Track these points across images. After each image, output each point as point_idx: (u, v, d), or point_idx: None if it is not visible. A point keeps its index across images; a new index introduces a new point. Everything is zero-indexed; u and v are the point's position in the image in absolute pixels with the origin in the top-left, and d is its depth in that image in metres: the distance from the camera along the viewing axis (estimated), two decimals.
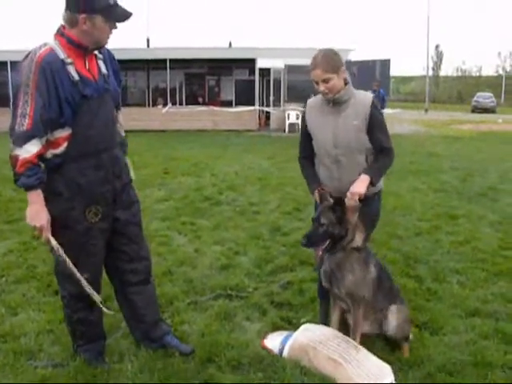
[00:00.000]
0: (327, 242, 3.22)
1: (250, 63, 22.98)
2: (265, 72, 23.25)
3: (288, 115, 21.98)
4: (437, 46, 75.58)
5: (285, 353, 3.32)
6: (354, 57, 22.57)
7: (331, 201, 3.23)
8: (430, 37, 47.57)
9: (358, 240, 3.25)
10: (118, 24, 2.89)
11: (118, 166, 3.12)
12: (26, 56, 2.76)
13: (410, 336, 3.47)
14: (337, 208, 3.19)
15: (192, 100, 25.62)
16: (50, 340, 3.56)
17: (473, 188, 9.28)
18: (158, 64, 23.45)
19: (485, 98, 45.00)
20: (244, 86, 25.26)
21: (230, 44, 28.21)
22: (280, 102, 23.18)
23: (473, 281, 4.70)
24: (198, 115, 22.06)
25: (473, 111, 43.04)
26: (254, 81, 23.01)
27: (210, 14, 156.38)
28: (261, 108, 23.50)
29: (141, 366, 3.22)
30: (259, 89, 23.41)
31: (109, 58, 3.12)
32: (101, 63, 3.01)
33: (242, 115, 22.28)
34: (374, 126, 3.33)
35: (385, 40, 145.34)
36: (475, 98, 45.57)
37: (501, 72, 71.21)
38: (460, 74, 77.27)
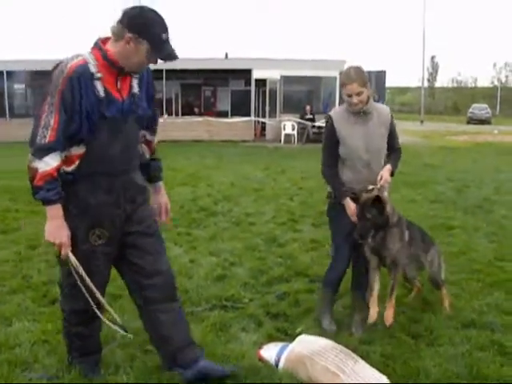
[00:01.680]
0: (372, 231, 3.78)
1: (245, 74, 23.09)
2: (261, 83, 23.33)
3: (284, 126, 22.06)
4: (432, 57, 76.11)
5: (281, 364, 3.31)
6: None
7: (370, 196, 3.70)
8: (425, 48, 47.80)
9: (394, 219, 3.82)
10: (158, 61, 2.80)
11: (133, 190, 2.96)
12: (57, 65, 2.66)
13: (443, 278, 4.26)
14: (376, 203, 3.68)
15: (188, 110, 25.67)
16: (45, 350, 3.53)
17: (468, 199, 9.31)
18: (153, 74, 23.46)
19: (480, 109, 45.28)
20: (240, 96, 25.33)
21: (226, 55, 28.31)
22: (276, 112, 23.25)
23: (468, 292, 4.70)
24: (193, 126, 22.13)
25: (468, 122, 43.26)
26: (249, 91, 23.10)
27: (207, 25, 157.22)
28: (256, 119, 23.57)
29: (136, 378, 3.20)
30: (255, 99, 23.49)
31: (147, 79, 3.00)
32: (134, 82, 2.87)
33: (238, 126, 22.34)
34: (392, 132, 4.00)
35: (380, 51, 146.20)
36: (470, 110, 45.85)
37: (496, 83, 71.65)
38: (456, 85, 77.78)
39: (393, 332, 3.84)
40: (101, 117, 2.69)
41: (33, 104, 26.66)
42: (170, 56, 2.78)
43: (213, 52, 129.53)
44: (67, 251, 2.75)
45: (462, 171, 13.15)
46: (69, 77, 2.58)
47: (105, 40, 2.75)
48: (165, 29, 2.72)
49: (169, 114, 23.18)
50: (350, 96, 3.76)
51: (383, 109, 4.02)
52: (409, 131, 29.04)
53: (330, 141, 3.98)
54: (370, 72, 24.09)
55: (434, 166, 14.22)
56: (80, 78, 2.60)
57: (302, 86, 24.09)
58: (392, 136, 4.00)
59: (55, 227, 2.69)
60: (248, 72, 22.60)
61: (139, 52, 2.69)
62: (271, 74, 22.50)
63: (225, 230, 6.90)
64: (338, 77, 22.04)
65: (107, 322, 3.02)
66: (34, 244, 6.05)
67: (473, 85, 76.67)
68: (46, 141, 2.57)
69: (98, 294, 2.86)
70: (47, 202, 2.64)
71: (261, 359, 3.41)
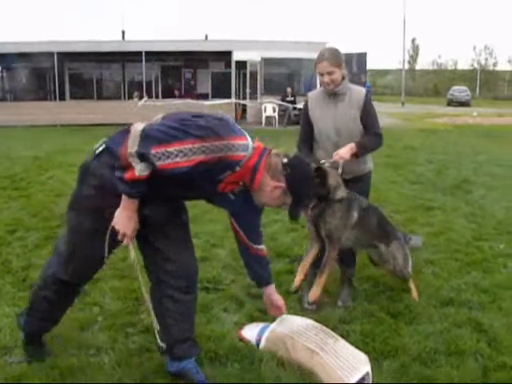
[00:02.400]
0: (314, 202, 3.67)
1: (226, 56, 22.91)
2: (241, 65, 23.16)
3: (265, 108, 21.98)
4: (413, 40, 76.05)
5: (262, 344, 3.33)
6: None
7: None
8: (406, 30, 47.88)
9: (340, 194, 3.71)
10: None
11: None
12: (231, 137, 2.55)
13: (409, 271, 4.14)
14: (319, 173, 3.59)
15: (168, 93, 25.46)
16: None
17: (447, 180, 9.41)
18: (133, 57, 23.23)
19: (460, 91, 45.53)
20: (220, 78, 25.22)
21: (206, 37, 28.10)
22: (256, 94, 23.15)
23: (447, 271, 4.77)
24: (174, 108, 21.91)
25: (448, 104, 43.51)
26: (230, 73, 22.94)
27: (186, 7, 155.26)
28: (237, 101, 23.46)
29: (118, 359, 3.21)
30: (235, 82, 23.35)
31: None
32: (237, 189, 2.81)
33: (219, 108, 22.20)
34: (367, 115, 3.89)
35: (361, 33, 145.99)
36: (450, 92, 46.07)
37: (476, 66, 72.02)
38: (436, 67, 77.94)
39: (372, 311, 3.90)
40: (195, 182, 2.66)
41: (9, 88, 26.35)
42: (295, 216, 2.86)
43: (193, 34, 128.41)
44: (129, 242, 2.75)
45: (441, 153, 13.25)
46: (221, 161, 2.54)
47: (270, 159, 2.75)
48: (309, 188, 2.87)
49: (149, 97, 22.94)
50: (321, 75, 3.81)
51: (358, 90, 3.95)
52: (389, 113, 29.14)
53: (304, 120, 4.10)
54: (351, 54, 24.15)
55: (414, 147, 14.31)
56: (225, 165, 2.58)
57: (283, 67, 23.99)
58: (367, 119, 3.91)
59: (126, 217, 2.65)
60: (228, 54, 22.42)
61: (278, 200, 2.77)
62: (252, 56, 22.35)
63: (205, 212, 6.85)
64: None
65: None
66: (12, 229, 5.98)
67: (453, 67, 76.90)
68: (157, 164, 2.45)
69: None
70: (128, 195, 2.59)
71: (242, 339, 3.43)
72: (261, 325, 3.51)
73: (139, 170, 2.46)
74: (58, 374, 3.04)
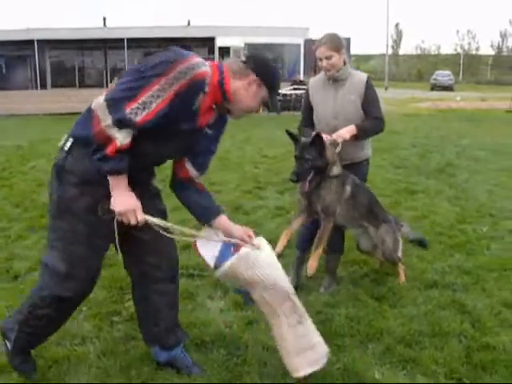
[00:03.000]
0: (311, 174, 3.62)
1: (209, 42, 22.80)
2: (224, 51, 23.04)
3: None
4: (396, 25, 76.11)
5: (220, 272, 2.81)
6: (315, 35, 22.53)
7: (311, 135, 3.61)
8: (389, 15, 47.84)
9: (336, 170, 3.72)
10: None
11: (151, 186, 2.89)
12: (185, 58, 2.46)
13: (399, 255, 4.13)
14: (317, 143, 3.56)
15: None
16: None
17: (431, 164, 9.47)
18: (115, 43, 23.01)
19: (443, 76, 45.70)
20: None
21: (189, 22, 27.85)
22: None
23: (431, 254, 4.80)
24: None
25: (432, 89, 43.68)
26: (213, 60, 22.79)
27: None
28: None
29: (103, 348, 3.20)
30: None
31: (222, 122, 2.85)
32: (212, 120, 2.73)
33: None
34: (368, 101, 3.86)
35: (345, 18, 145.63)
36: (434, 76, 46.25)
37: (459, 50, 72.29)
38: (419, 52, 78.16)
39: (357, 294, 3.92)
40: (176, 125, 2.56)
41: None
42: (277, 109, 2.80)
43: (175, 20, 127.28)
44: (143, 216, 2.57)
45: (425, 137, 13.32)
46: (190, 83, 2.45)
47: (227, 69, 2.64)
48: (279, 81, 2.79)
49: None
50: (320, 60, 3.82)
51: (359, 76, 3.93)
52: None
53: (305, 105, 4.16)
54: None
55: (398, 132, 14.35)
56: (196, 86, 2.48)
57: (267, 53, 23.86)
58: (368, 104, 3.88)
59: (124, 197, 2.51)
60: (211, 40, 22.32)
61: (257, 96, 2.66)
62: (235, 42, 22.24)
63: None
64: (302, 44, 21.92)
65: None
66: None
67: (436, 52, 77.20)
68: (137, 119, 2.36)
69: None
70: (117, 172, 2.45)
71: (196, 251, 2.96)
72: (218, 246, 2.91)
73: (121, 138, 2.36)
74: (43, 363, 3.03)
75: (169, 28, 23.46)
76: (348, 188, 3.82)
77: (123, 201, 2.51)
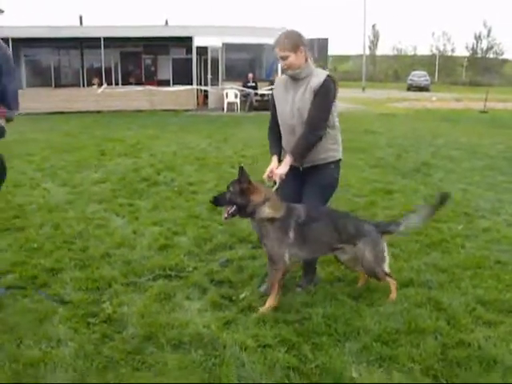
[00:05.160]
0: (233, 208, 3.66)
1: (186, 42, 22.65)
2: (202, 50, 22.94)
3: (226, 94, 21.86)
4: (373, 26, 76.61)
5: None
6: None
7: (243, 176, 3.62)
8: (366, 16, 48.14)
9: (270, 212, 3.62)
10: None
11: None
12: None
13: (386, 269, 3.88)
14: (243, 183, 3.60)
15: (128, 80, 25.08)
16: None
17: (407, 164, 9.57)
18: (91, 43, 22.74)
19: (419, 76, 46.25)
20: (181, 64, 24.94)
21: (167, 22, 27.73)
22: (218, 80, 22.99)
23: (407, 252, 4.86)
24: (134, 95, 21.58)
25: (408, 89, 44.15)
26: (191, 59, 22.71)
27: None
28: (199, 87, 23.27)
29: (79, 351, 3.16)
30: (197, 68, 23.13)
31: None
32: None
33: (180, 95, 21.97)
34: (313, 102, 3.72)
35: (323, 19, 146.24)
36: (410, 77, 46.77)
37: (434, 51, 73.05)
38: (396, 52, 78.82)
39: (334, 294, 3.93)
40: None
41: None
42: None
43: (152, 19, 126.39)
44: None
45: (401, 137, 13.45)
46: None
47: None
48: None
49: (108, 84, 22.53)
50: (278, 59, 3.81)
51: (318, 76, 3.75)
52: (350, 98, 29.40)
53: (271, 105, 4.11)
54: (312, 39, 24.16)
55: (375, 132, 14.47)
56: None
57: (244, 53, 23.88)
58: (310, 107, 3.74)
59: None
60: (189, 40, 22.17)
61: None
62: (213, 42, 22.15)
63: (167, 199, 6.83)
64: None
65: None
66: None
67: (412, 53, 77.92)
68: None
69: None
70: None
71: None
72: None
73: None
74: (18, 366, 2.98)
75: (147, 27, 23.28)
76: (291, 233, 3.67)
77: None
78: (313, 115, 3.73)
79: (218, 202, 3.73)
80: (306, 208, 3.77)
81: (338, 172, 4.05)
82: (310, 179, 3.93)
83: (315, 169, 3.90)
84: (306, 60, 3.77)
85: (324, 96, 3.73)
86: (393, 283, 3.90)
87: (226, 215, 3.71)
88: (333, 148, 3.95)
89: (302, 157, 3.80)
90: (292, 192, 3.97)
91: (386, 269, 3.89)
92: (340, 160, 4.05)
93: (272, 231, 3.66)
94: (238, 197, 3.61)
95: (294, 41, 3.71)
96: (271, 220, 3.64)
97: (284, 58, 3.71)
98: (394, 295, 3.87)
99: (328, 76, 3.75)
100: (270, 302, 3.68)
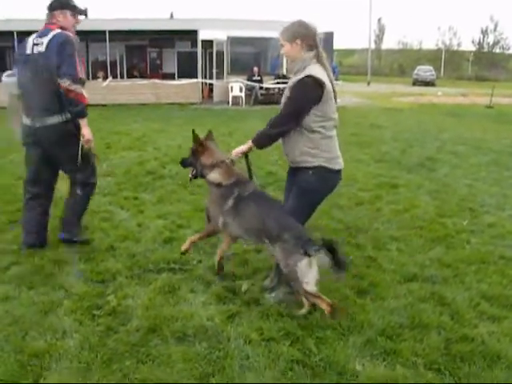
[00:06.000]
0: (193, 170, 4.05)
1: (192, 35, 22.57)
2: (207, 44, 22.89)
3: (231, 88, 21.81)
4: (379, 20, 76.26)
5: None
6: None
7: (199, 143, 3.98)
8: (372, 10, 47.94)
9: (217, 177, 3.86)
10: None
11: None
12: None
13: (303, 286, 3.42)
14: (194, 144, 3.98)
15: (133, 73, 25.07)
16: None
17: (412, 158, 9.55)
18: (97, 36, 22.72)
19: (425, 71, 45.97)
20: (186, 58, 24.87)
21: (172, 15, 27.69)
22: (223, 74, 22.95)
23: (411, 247, 4.86)
24: (139, 88, 21.55)
25: (413, 84, 43.93)
26: (196, 53, 22.66)
27: None
28: (204, 80, 23.23)
29: (84, 342, 3.19)
30: (202, 61, 23.09)
31: None
32: None
33: (185, 88, 21.92)
34: (285, 98, 3.66)
35: (328, 13, 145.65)
36: (416, 71, 46.50)
37: (440, 46, 72.68)
38: (401, 47, 78.41)
39: (338, 288, 3.94)
40: None
41: None
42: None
43: (158, 12, 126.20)
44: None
45: (406, 131, 13.41)
46: None
47: None
48: None
49: (113, 77, 22.53)
50: None
51: (304, 73, 3.52)
52: (356, 92, 29.32)
53: None
54: (318, 33, 24.08)
55: (380, 126, 14.44)
56: None
57: (250, 47, 23.80)
58: (285, 100, 3.66)
59: (90, 131, 4.47)
60: (194, 33, 22.09)
61: None
62: (218, 35, 22.08)
63: (172, 192, 6.84)
64: None
65: None
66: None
67: (418, 47, 77.48)
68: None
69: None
70: (86, 114, 4.43)
71: None
72: None
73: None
74: (24, 358, 3.01)
75: (152, 21, 23.23)
76: (230, 201, 3.77)
77: (90, 133, 4.47)
78: (284, 107, 3.65)
79: (183, 163, 4.14)
80: (255, 188, 3.87)
81: (318, 180, 3.68)
82: (294, 180, 3.81)
83: (297, 170, 3.74)
84: (304, 54, 3.59)
85: (292, 95, 3.59)
86: (323, 304, 3.44)
87: (190, 176, 4.10)
88: (311, 153, 3.63)
89: (260, 145, 3.75)
90: (287, 190, 3.97)
91: (308, 287, 3.44)
92: (323, 168, 3.65)
93: (214, 194, 3.90)
94: (191, 158, 3.98)
95: (291, 31, 3.61)
96: (218, 185, 3.85)
97: (282, 46, 3.67)
98: (327, 310, 3.43)
99: (306, 77, 3.50)
100: (192, 238, 4.11)
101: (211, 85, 23.43)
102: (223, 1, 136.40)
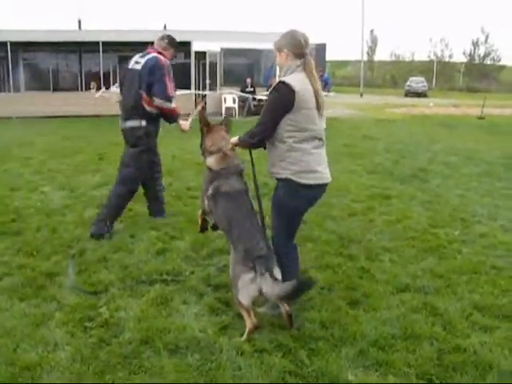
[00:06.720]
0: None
1: (185, 46, 22.63)
2: (200, 55, 22.97)
3: (225, 99, 21.87)
4: (371, 31, 76.68)
5: None
6: None
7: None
8: (364, 21, 48.35)
9: (211, 162, 3.90)
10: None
11: None
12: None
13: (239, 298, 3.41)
14: (201, 123, 4.17)
15: None
16: None
17: (405, 169, 9.58)
18: (90, 47, 22.76)
19: (417, 82, 46.25)
20: (180, 69, 24.91)
21: (165, 27, 27.76)
22: (216, 85, 23.02)
23: (404, 258, 4.87)
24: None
25: (406, 95, 44.18)
26: (189, 64, 22.73)
27: None
28: (197, 92, 23.28)
29: (76, 354, 3.17)
30: (195, 72, 23.16)
31: None
32: None
33: (178, 99, 21.81)
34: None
35: (320, 24, 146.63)
36: (408, 83, 46.78)
37: (432, 57, 73.17)
38: (394, 58, 78.88)
39: (331, 299, 3.94)
40: None
41: None
42: None
43: (151, 23, 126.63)
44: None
45: (398, 142, 13.47)
46: None
47: None
48: None
49: (106, 88, 22.52)
50: None
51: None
52: (348, 104, 29.46)
53: None
54: (310, 45, 24.21)
55: (373, 137, 14.49)
56: None
57: (243, 58, 23.90)
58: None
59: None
60: (187, 44, 22.18)
61: None
62: (211, 47, 22.19)
63: (166, 204, 6.82)
64: None
65: None
66: None
67: (410, 58, 77.98)
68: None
69: None
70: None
71: None
72: None
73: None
74: (15, 370, 2.99)
75: (145, 32, 23.28)
76: (211, 188, 3.83)
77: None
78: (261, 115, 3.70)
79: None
80: (241, 183, 3.87)
81: (287, 194, 3.61)
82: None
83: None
84: (291, 64, 3.59)
85: (267, 103, 3.68)
86: (248, 321, 3.39)
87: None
88: (279, 165, 3.59)
89: (243, 144, 3.89)
90: None
91: (244, 299, 3.39)
92: (291, 181, 3.54)
93: (206, 177, 3.96)
94: (201, 136, 4.13)
95: (280, 41, 3.64)
96: (209, 169, 3.91)
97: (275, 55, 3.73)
98: (244, 337, 3.37)
99: (279, 83, 3.52)
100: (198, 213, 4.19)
101: (204, 96, 23.48)
102: (216, 12, 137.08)
